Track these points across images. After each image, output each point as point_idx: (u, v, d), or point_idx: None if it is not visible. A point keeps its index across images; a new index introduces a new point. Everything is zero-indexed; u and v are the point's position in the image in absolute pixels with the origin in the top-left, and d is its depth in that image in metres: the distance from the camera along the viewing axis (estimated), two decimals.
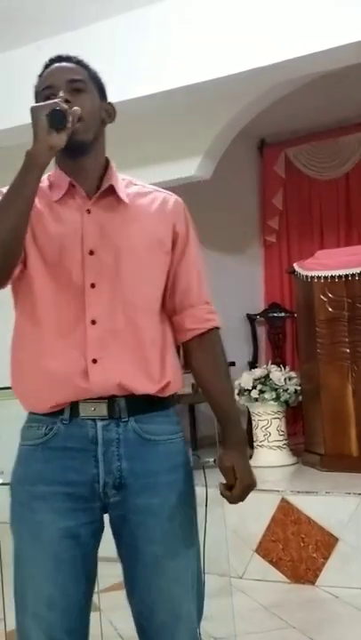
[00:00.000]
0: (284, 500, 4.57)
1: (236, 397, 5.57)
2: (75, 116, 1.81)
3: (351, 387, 5.10)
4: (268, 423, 5.50)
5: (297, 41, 4.37)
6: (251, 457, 5.63)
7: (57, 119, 1.77)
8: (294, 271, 5.48)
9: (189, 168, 5.78)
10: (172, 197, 2.08)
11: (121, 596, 2.03)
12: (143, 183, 2.08)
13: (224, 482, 1.99)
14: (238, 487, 1.97)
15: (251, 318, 7.56)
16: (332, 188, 7.54)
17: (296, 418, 6.31)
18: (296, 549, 4.49)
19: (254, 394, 5.45)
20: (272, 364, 5.83)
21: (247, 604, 4.17)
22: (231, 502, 1.99)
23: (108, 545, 1.97)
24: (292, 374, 5.56)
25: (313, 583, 4.41)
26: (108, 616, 3.52)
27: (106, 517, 1.96)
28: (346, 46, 4.28)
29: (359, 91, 6.34)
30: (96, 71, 2.02)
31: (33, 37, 4.94)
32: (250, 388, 5.47)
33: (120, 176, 2.01)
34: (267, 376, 5.50)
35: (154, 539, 1.91)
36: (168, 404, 2.00)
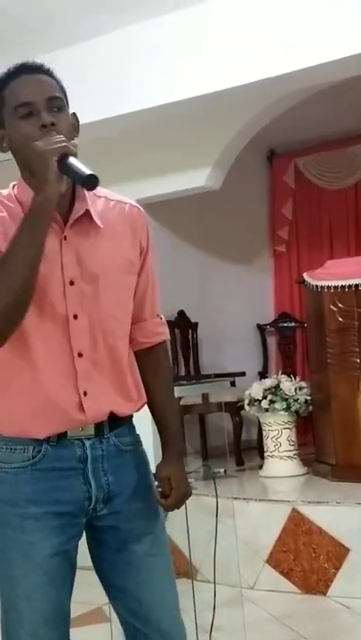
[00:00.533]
0: (294, 511, 4.56)
1: (247, 407, 5.57)
2: (76, 154, 1.74)
3: None
4: (278, 433, 5.49)
5: (306, 51, 4.38)
6: (261, 467, 5.63)
7: (65, 164, 1.70)
8: (304, 281, 5.48)
9: (199, 178, 5.80)
10: (135, 209, 2.03)
11: None
12: (104, 192, 1.99)
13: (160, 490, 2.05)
14: (174, 496, 2.03)
15: (261, 328, 7.56)
16: (341, 198, 7.55)
17: (307, 428, 6.30)
18: (307, 560, 4.47)
19: (265, 404, 5.44)
20: (282, 374, 5.82)
21: (258, 614, 4.16)
22: (167, 510, 2.05)
23: None
24: (303, 384, 5.55)
25: (324, 594, 4.40)
26: (119, 627, 3.50)
27: None
28: (355, 56, 4.29)
29: None
30: (59, 78, 1.93)
31: (42, 49, 4.96)
32: (260, 399, 5.47)
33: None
34: (277, 386, 5.49)
35: (143, 539, 1.98)
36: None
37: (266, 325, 7.58)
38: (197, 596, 3.01)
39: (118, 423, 1.97)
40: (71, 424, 1.89)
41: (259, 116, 5.66)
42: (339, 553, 4.39)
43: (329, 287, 5.22)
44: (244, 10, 4.54)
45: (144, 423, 2.16)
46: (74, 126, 1.92)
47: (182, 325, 6.67)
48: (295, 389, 5.46)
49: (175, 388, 5.08)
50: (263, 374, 7.08)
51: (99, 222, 1.91)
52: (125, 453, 1.99)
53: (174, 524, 4.13)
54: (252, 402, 5.51)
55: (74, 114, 1.94)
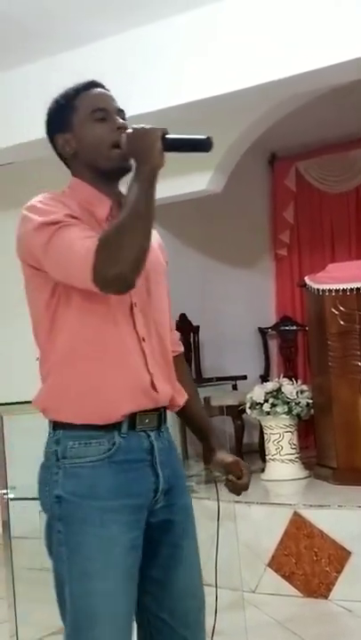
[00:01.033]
0: (296, 514, 4.56)
1: (248, 411, 5.58)
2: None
3: None
4: (280, 437, 5.49)
5: (307, 55, 4.38)
6: (263, 471, 5.63)
7: (170, 139, 1.91)
8: (305, 284, 5.48)
9: (201, 182, 5.81)
10: None
11: None
12: None
13: (230, 478, 2.18)
14: (247, 475, 2.17)
15: (262, 332, 7.57)
16: (342, 202, 7.56)
17: (308, 431, 6.30)
18: (309, 563, 4.47)
19: (266, 407, 5.44)
20: (284, 377, 5.82)
21: (260, 618, 4.16)
22: (244, 490, 2.18)
23: None
24: (304, 387, 5.55)
25: (326, 597, 4.39)
26: None
27: None
28: (357, 60, 4.30)
29: None
30: None
31: (45, 52, 4.98)
32: (262, 402, 5.47)
33: None
34: (279, 389, 5.49)
35: (190, 535, 2.09)
36: None
37: (267, 329, 7.59)
38: None
39: (166, 418, 2.07)
40: (147, 402, 1.98)
41: (260, 119, 5.67)
42: (340, 556, 4.39)
43: (330, 290, 5.22)
44: (246, 14, 4.55)
45: None
46: None
47: (184, 329, 6.67)
48: (297, 393, 5.46)
49: None
50: (265, 378, 7.08)
51: None
52: (172, 448, 2.09)
53: None
54: (254, 405, 5.51)
55: None
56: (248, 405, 5.56)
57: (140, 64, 4.82)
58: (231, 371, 6.77)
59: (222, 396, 6.06)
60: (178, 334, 2.27)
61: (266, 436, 5.61)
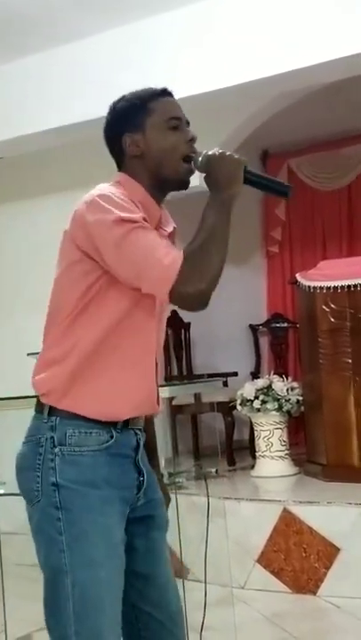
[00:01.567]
0: (285, 511, 4.57)
1: (239, 407, 5.58)
2: None
3: (353, 397, 5.10)
4: (270, 433, 5.50)
5: (300, 52, 4.39)
6: (253, 467, 5.64)
7: (251, 173, 2.04)
8: (297, 282, 5.49)
9: (193, 179, 5.79)
10: None
11: None
12: None
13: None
14: (166, 503, 2.22)
15: (253, 329, 7.57)
16: (334, 199, 7.56)
17: (298, 428, 6.32)
18: (298, 559, 4.49)
19: (257, 404, 5.45)
20: (274, 374, 5.83)
21: (249, 614, 4.17)
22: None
23: None
24: (295, 384, 5.56)
25: (315, 593, 4.41)
26: None
27: None
28: (349, 57, 4.31)
29: None
30: None
31: (43, 46, 4.97)
32: (252, 399, 5.48)
33: None
34: (269, 386, 5.50)
35: (162, 526, 2.13)
36: None
37: (258, 326, 7.59)
38: (188, 596, 3.01)
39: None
40: (151, 408, 2.07)
41: (252, 116, 5.67)
42: (329, 553, 4.40)
43: (321, 288, 5.23)
44: (240, 11, 4.55)
45: None
46: None
47: (175, 325, 6.67)
48: (287, 390, 5.47)
49: (168, 387, 5.09)
50: (255, 374, 7.08)
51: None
52: (143, 447, 2.11)
53: None
54: (244, 402, 5.52)
55: None
56: (238, 402, 5.57)
57: (134, 58, 4.83)
58: (222, 367, 6.78)
59: (213, 393, 6.06)
60: None
61: (256, 433, 5.62)
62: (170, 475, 5.12)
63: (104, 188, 1.97)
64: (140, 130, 2.04)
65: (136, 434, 2.04)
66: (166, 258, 1.84)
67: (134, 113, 2.05)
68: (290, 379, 5.70)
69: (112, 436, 1.97)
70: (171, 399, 6.02)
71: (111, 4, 4.64)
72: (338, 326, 5.18)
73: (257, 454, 5.61)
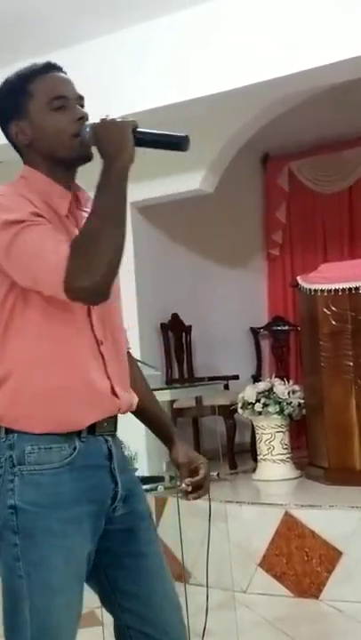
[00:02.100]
0: (287, 514, 4.55)
1: (240, 411, 5.57)
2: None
3: (355, 400, 5.09)
4: (271, 437, 5.49)
5: (301, 55, 4.38)
6: (254, 471, 5.63)
7: (142, 133, 1.81)
8: (298, 284, 5.48)
9: (193, 181, 5.80)
10: None
11: None
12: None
13: (185, 482, 2.04)
14: (203, 473, 2.04)
15: (254, 332, 7.56)
16: (335, 202, 7.56)
17: (300, 431, 6.30)
18: (300, 563, 4.47)
19: (258, 407, 5.44)
20: (276, 377, 5.82)
21: (251, 618, 4.16)
22: (203, 495, 2.04)
23: None
24: (296, 388, 5.55)
25: (317, 597, 4.39)
26: (111, 631, 3.50)
27: None
28: (350, 60, 4.30)
29: None
30: None
31: (36, 52, 4.94)
32: (253, 402, 5.46)
33: None
34: (270, 389, 5.49)
35: (152, 539, 1.99)
36: None
37: (259, 329, 7.59)
38: (190, 600, 3.00)
39: (117, 424, 1.97)
40: (110, 409, 1.90)
41: (253, 119, 5.66)
42: (331, 556, 4.39)
43: (323, 291, 5.22)
44: (244, 12, 4.54)
45: (133, 428, 2.17)
46: None
47: (176, 328, 6.66)
48: (288, 393, 5.46)
49: (169, 391, 5.08)
50: (257, 378, 7.07)
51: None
52: (124, 454, 2.02)
53: (167, 527, 4.13)
54: (246, 405, 5.51)
55: None
56: (240, 405, 5.55)
57: (133, 63, 4.81)
58: (223, 370, 6.77)
59: (214, 396, 6.05)
60: (126, 331, 2.09)
61: (258, 436, 5.61)
62: (171, 478, 5.13)
63: None
64: (24, 116, 1.89)
65: (106, 440, 1.91)
66: (54, 256, 1.69)
67: (15, 98, 1.89)
68: (291, 382, 5.69)
69: (75, 448, 1.84)
70: (172, 402, 6.02)
71: (103, 10, 4.63)
72: (339, 329, 5.17)
73: (258, 457, 5.60)
